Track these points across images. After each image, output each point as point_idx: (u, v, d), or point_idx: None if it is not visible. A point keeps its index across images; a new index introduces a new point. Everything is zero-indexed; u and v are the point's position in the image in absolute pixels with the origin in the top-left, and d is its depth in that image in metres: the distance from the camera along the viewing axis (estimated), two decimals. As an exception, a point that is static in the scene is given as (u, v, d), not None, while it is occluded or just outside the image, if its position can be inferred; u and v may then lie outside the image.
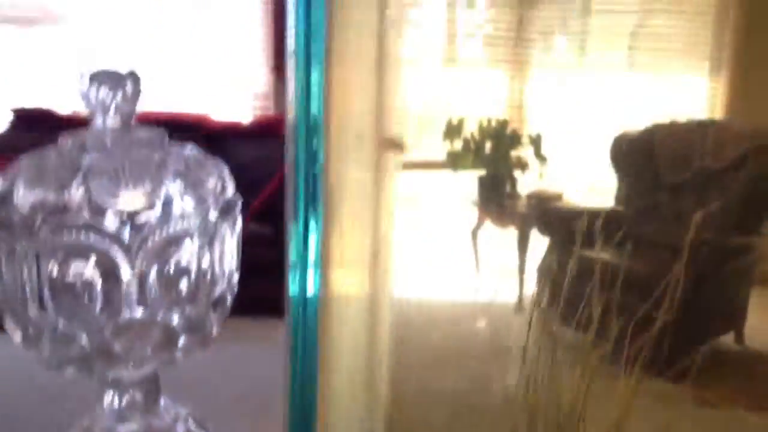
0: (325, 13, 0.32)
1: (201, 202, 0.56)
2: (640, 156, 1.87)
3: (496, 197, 2.13)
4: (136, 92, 0.56)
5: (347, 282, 0.68)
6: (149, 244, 0.54)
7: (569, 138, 2.26)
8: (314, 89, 0.35)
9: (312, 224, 0.33)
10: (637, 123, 1.93)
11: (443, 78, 2.33)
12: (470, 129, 2.11)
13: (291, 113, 0.34)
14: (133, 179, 0.55)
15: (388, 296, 0.66)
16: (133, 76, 0.57)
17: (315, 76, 0.35)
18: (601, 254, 1.79)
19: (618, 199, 1.91)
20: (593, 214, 1.99)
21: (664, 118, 1.94)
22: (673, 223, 1.82)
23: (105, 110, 0.57)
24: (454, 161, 2.13)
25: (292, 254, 0.33)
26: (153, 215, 0.56)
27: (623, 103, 2.19)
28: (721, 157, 1.78)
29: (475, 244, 2.20)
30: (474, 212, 2.19)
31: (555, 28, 2.13)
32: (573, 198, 2.24)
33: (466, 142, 2.09)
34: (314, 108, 0.34)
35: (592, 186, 2.25)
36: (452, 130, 2.12)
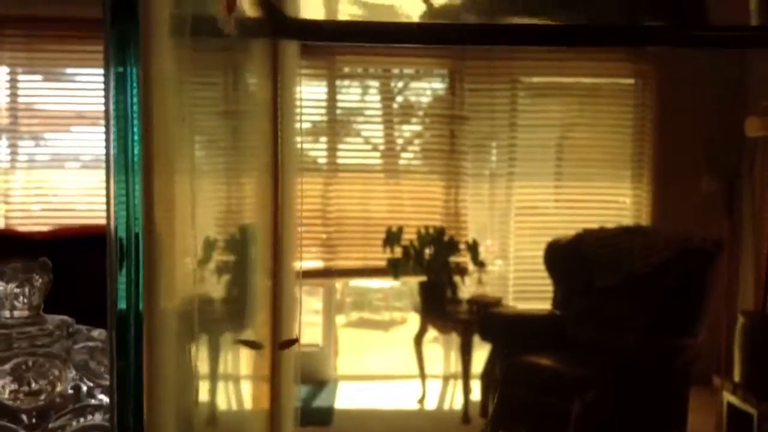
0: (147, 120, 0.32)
1: (105, 392, 0.56)
2: (572, 261, 1.92)
3: (438, 304, 2.15)
4: (46, 282, 0.57)
5: None
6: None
7: (505, 245, 2.32)
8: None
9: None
10: (568, 229, 1.99)
11: (382, 188, 2.38)
12: (409, 237, 2.15)
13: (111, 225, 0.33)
14: (37, 375, 0.54)
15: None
16: (43, 266, 0.57)
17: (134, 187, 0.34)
18: (542, 359, 1.81)
19: (555, 302, 1.95)
20: (532, 319, 2.02)
21: (593, 225, 2.01)
22: (608, 326, 1.86)
23: (12, 306, 0.57)
24: (395, 268, 2.15)
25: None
26: (58, 409, 0.55)
27: (554, 211, 2.26)
28: (648, 262, 1.84)
29: (418, 351, 2.20)
30: (416, 319, 2.20)
31: (485, 141, 2.22)
32: (512, 303, 2.27)
33: (405, 249, 2.12)
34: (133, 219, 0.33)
35: (530, 290, 2.29)
36: (392, 238, 2.16)
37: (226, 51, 0.59)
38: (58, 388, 0.57)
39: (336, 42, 1.18)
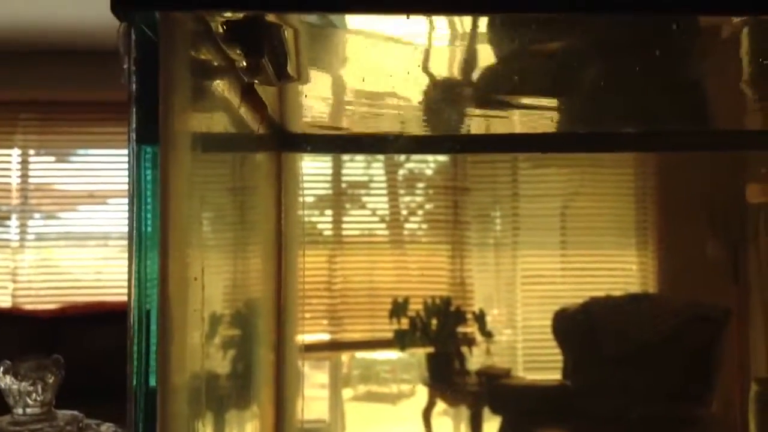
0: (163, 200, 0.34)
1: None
2: (580, 330, 1.91)
3: (446, 375, 2.12)
4: (58, 378, 0.58)
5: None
6: None
7: (512, 314, 2.30)
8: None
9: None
10: (575, 298, 1.98)
11: (388, 259, 2.38)
12: (415, 308, 2.13)
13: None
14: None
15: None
16: (56, 363, 0.59)
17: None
18: (554, 431, 1.77)
19: (564, 372, 1.92)
20: (542, 390, 1.99)
21: (600, 293, 2.00)
22: (620, 396, 1.83)
23: (25, 404, 0.59)
24: (402, 340, 2.13)
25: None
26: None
27: (560, 279, 2.26)
28: (657, 330, 1.83)
29: (427, 425, 2.15)
30: (424, 392, 2.17)
31: (488, 211, 2.24)
32: (521, 374, 2.24)
33: (412, 320, 2.11)
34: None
35: (539, 361, 2.26)
36: (398, 310, 2.15)
37: (234, 134, 0.61)
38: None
39: (339, 153, 1.25)
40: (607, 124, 0.83)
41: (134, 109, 0.34)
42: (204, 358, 0.50)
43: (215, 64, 0.47)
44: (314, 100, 0.70)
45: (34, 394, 0.59)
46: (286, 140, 0.70)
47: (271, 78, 0.57)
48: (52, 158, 2.81)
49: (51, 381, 0.59)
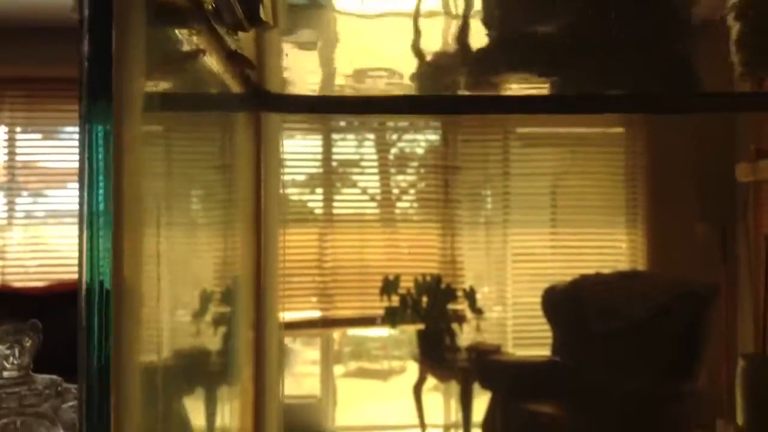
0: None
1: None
2: (569, 307, 1.92)
3: (437, 352, 2.13)
4: (35, 342, 0.59)
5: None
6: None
7: (502, 291, 2.31)
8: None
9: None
10: (565, 275, 1.98)
11: (379, 237, 2.38)
12: (406, 285, 2.14)
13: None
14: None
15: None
16: (33, 327, 0.59)
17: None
18: (543, 407, 1.79)
19: (554, 348, 1.93)
20: (532, 366, 2.00)
21: (589, 270, 2.00)
22: (608, 372, 1.84)
23: (2, 367, 0.59)
24: (393, 317, 2.14)
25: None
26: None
27: (550, 257, 2.26)
28: (646, 307, 1.84)
29: (418, 401, 2.17)
30: (415, 368, 2.18)
31: (478, 190, 2.23)
32: (511, 350, 2.25)
33: (403, 298, 2.11)
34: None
35: (528, 337, 2.28)
36: (389, 287, 2.15)
37: (209, 107, 0.60)
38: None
39: (321, 114, 1.20)
40: (596, 86, 0.82)
41: (86, 72, 0.32)
42: (175, 337, 0.49)
43: (180, 7, 0.44)
44: (295, 58, 0.68)
45: (11, 358, 0.59)
46: (266, 101, 0.68)
47: (243, 22, 0.54)
48: (39, 135, 2.79)
49: (28, 345, 0.59)
